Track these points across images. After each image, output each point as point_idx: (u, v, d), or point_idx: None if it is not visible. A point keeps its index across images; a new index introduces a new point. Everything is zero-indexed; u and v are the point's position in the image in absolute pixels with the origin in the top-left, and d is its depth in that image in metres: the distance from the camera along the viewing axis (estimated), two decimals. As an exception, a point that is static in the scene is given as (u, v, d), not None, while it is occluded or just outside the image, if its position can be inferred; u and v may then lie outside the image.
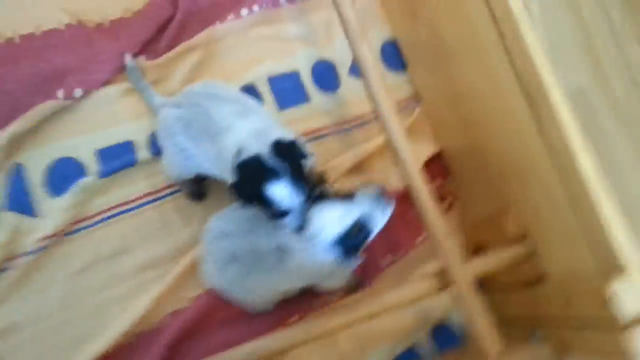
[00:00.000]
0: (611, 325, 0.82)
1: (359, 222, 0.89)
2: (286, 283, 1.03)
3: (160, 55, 1.20)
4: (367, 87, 1.08)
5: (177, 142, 1.03)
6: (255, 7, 1.29)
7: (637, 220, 0.84)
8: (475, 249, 1.22)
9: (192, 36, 1.22)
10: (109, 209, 1.11)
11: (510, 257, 1.07)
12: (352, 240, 0.88)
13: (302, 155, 0.92)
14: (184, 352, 1.06)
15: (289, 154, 0.90)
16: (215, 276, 1.05)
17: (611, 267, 0.83)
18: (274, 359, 0.98)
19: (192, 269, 1.11)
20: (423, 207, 1.03)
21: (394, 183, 1.25)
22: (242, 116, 0.99)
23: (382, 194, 0.92)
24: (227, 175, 0.93)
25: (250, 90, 1.24)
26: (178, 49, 1.21)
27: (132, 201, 1.13)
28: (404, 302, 1.01)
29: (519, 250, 1.07)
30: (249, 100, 1.06)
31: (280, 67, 1.28)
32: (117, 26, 1.20)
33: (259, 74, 1.25)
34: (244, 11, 1.28)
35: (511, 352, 0.97)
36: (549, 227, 0.99)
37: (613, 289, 0.80)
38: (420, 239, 1.26)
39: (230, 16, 1.27)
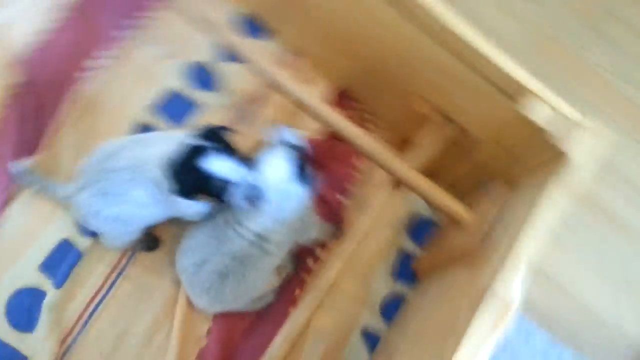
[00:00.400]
0: (540, 140, 0.94)
1: (294, 150, 0.99)
2: (278, 259, 1.07)
3: (39, 143, 1.16)
4: (253, 65, 1.10)
5: (106, 218, 1.03)
6: (102, 52, 1.26)
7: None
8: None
9: (56, 108, 1.19)
10: (86, 308, 1.10)
11: (440, 139, 1.17)
12: (300, 167, 0.98)
13: (227, 133, 0.96)
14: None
15: (214, 135, 0.94)
16: (216, 302, 1.08)
17: (517, 91, 0.94)
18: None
19: (191, 308, 1.12)
20: (349, 134, 1.09)
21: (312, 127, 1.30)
22: (148, 147, 1.00)
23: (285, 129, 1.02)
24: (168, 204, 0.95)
25: (145, 127, 1.24)
26: (51, 128, 1.17)
27: (101, 287, 1.11)
28: (376, 216, 1.09)
29: (444, 129, 1.16)
30: (149, 135, 1.06)
31: (156, 91, 1.27)
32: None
33: (140, 109, 1.25)
34: (94, 62, 1.26)
35: (478, 205, 1.08)
36: (457, 96, 1.09)
37: (524, 103, 0.92)
38: (357, 161, 1.32)
39: (84, 71, 1.24)
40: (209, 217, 1.05)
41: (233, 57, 1.33)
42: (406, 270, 1.25)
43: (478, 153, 1.14)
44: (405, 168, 1.10)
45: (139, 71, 1.29)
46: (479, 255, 0.98)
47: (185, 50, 1.33)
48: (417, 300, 1.15)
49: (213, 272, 1.03)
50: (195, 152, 0.92)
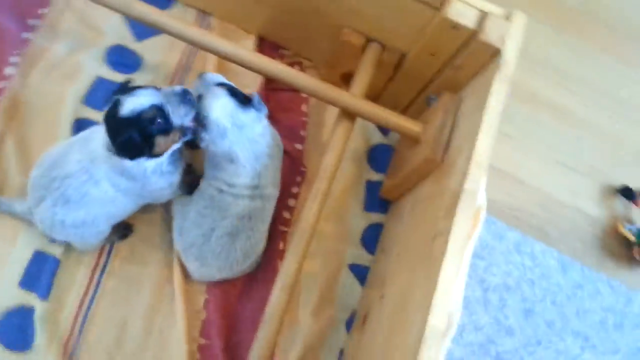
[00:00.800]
0: (473, 43, 0.98)
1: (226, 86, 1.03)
2: (275, 198, 1.13)
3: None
4: (173, 32, 1.08)
5: (73, 224, 1.01)
6: (17, 57, 1.23)
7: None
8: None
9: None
10: (79, 312, 1.09)
11: (378, 65, 1.20)
12: (240, 95, 1.02)
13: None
14: (239, 340, 1.12)
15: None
16: (226, 266, 1.09)
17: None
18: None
19: (186, 284, 1.13)
20: (291, 78, 1.10)
21: (252, 85, 1.30)
22: (91, 142, 0.98)
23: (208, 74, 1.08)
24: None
25: (84, 121, 1.21)
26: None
27: (88, 288, 1.10)
28: (337, 153, 1.11)
29: (380, 55, 1.19)
30: (86, 132, 1.04)
31: (83, 83, 1.24)
32: None
33: (73, 103, 1.21)
34: (8, 70, 1.21)
35: (430, 119, 1.12)
36: (385, 20, 1.11)
37: (449, 10, 0.97)
38: (304, 107, 1.34)
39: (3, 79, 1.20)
40: (187, 193, 1.06)
41: (149, 31, 1.30)
42: (376, 199, 1.29)
43: (419, 71, 1.18)
44: (353, 98, 1.12)
45: (59, 67, 1.25)
46: (443, 165, 1.03)
47: (99, 36, 1.29)
48: (394, 224, 1.20)
49: (223, 236, 1.05)
50: (116, 105, 0.91)
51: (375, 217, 1.28)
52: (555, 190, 1.37)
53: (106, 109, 0.93)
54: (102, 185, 0.97)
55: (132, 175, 0.95)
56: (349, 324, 1.18)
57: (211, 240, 1.05)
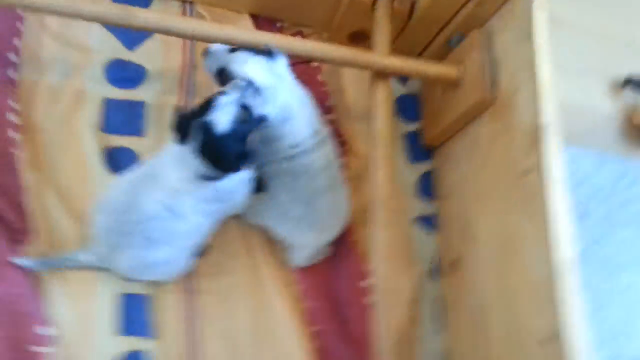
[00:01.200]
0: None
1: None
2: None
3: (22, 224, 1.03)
4: (166, 29, 1.01)
5: (156, 262, 0.97)
6: (12, 103, 1.10)
7: None
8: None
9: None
10: (185, 337, 1.05)
11: (387, 14, 1.17)
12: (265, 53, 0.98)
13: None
14: (346, 317, 1.14)
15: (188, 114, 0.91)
16: (324, 229, 1.11)
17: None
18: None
19: (280, 279, 1.13)
20: (306, 49, 1.09)
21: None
22: (158, 178, 0.93)
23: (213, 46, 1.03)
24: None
25: (114, 149, 1.12)
26: (21, 200, 1.04)
27: (186, 314, 1.06)
28: (372, 115, 1.12)
29: (393, 6, 1.17)
30: (144, 168, 0.98)
31: (91, 111, 1.14)
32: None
33: (93, 132, 1.12)
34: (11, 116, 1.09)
35: (463, 60, 1.13)
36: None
37: None
38: (319, 77, 1.31)
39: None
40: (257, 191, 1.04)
41: (138, 37, 1.21)
42: (418, 149, 1.30)
43: (436, 14, 1.17)
44: (384, 58, 1.11)
45: (60, 99, 1.13)
46: (497, 103, 1.04)
47: (87, 54, 1.18)
48: (449, 168, 1.22)
49: (324, 193, 1.06)
50: (206, 129, 0.85)
51: (423, 166, 1.30)
52: (570, 95, 1.42)
53: (190, 141, 0.87)
54: (188, 218, 0.92)
55: (223, 194, 0.91)
56: (433, 273, 1.22)
57: (317, 203, 1.05)
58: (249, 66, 0.94)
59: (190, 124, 0.86)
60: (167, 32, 1.00)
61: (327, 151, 1.07)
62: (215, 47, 1.01)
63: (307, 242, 1.10)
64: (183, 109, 0.91)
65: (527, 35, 0.98)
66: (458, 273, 1.14)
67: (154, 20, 0.97)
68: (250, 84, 0.91)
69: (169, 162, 0.91)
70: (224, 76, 0.98)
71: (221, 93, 0.88)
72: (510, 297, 0.97)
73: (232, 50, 0.98)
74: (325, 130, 1.08)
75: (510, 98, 1.01)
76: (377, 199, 1.06)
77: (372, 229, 1.05)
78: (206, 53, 1.02)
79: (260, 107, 0.92)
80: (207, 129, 0.85)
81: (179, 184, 0.89)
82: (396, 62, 1.09)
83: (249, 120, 0.88)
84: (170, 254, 0.96)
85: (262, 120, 0.93)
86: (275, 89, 0.95)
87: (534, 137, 0.92)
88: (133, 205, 0.92)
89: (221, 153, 0.86)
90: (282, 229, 1.10)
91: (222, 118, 0.85)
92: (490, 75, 1.06)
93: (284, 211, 1.06)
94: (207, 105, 0.87)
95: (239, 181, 0.93)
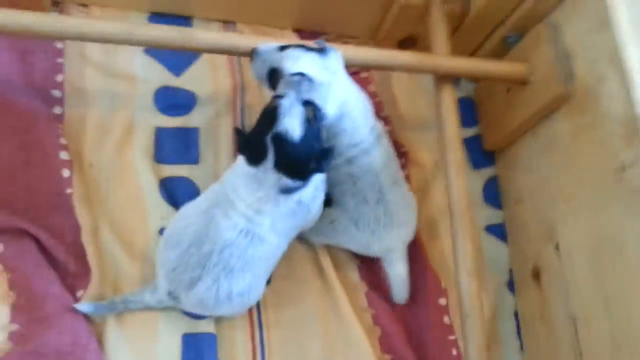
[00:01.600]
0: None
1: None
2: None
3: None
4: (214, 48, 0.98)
5: (240, 293, 0.90)
6: (62, 140, 1.05)
7: None
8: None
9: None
10: None
11: (442, 15, 1.13)
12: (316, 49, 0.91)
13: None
14: (423, 340, 1.07)
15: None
16: (390, 224, 1.03)
17: None
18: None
19: (352, 306, 1.05)
20: (376, 60, 1.04)
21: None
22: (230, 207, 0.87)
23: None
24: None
25: (170, 180, 1.07)
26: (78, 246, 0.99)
27: (255, 351, 1.00)
28: (453, 117, 1.07)
29: (439, 6, 1.12)
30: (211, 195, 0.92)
31: (143, 141, 1.09)
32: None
33: (147, 163, 1.07)
34: (63, 154, 1.04)
35: (529, 56, 1.08)
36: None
37: None
38: (371, 87, 1.25)
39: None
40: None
41: (183, 61, 1.17)
42: (479, 154, 1.24)
43: (491, 13, 1.12)
44: (449, 59, 1.06)
45: (109, 131, 1.09)
46: (577, 97, 0.98)
47: (133, 83, 1.14)
48: (519, 171, 1.15)
49: (391, 186, 1.00)
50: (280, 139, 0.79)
51: (487, 173, 1.23)
52: None
53: (266, 158, 0.81)
54: (267, 238, 0.86)
55: (302, 207, 0.86)
56: (509, 285, 1.15)
57: (386, 199, 0.99)
58: (302, 62, 0.87)
59: (261, 141, 0.80)
60: (229, 52, 0.95)
61: (385, 146, 1.00)
62: (264, 46, 0.94)
63: (389, 245, 1.03)
64: (243, 130, 0.85)
65: (602, 22, 0.92)
66: (540, 284, 1.07)
67: (212, 40, 0.92)
68: (303, 76, 0.85)
69: (241, 185, 0.85)
70: (275, 77, 0.91)
71: (279, 97, 0.82)
72: (615, 304, 0.89)
73: (282, 49, 0.91)
74: (380, 125, 1.01)
75: (592, 90, 0.95)
76: (456, 209, 0.99)
77: (454, 241, 0.98)
78: (255, 53, 0.93)
79: (320, 102, 0.86)
80: (282, 139, 0.79)
81: (257, 205, 0.83)
82: (462, 64, 1.04)
83: (317, 115, 0.83)
84: (249, 283, 0.89)
85: (325, 115, 0.87)
86: (330, 84, 0.89)
87: (632, 129, 0.85)
88: (205, 235, 0.86)
89: (302, 160, 0.80)
90: (355, 242, 1.03)
91: (293, 123, 0.79)
92: (563, 69, 1.00)
93: (354, 219, 1.00)
94: (272, 114, 0.80)
95: (315, 187, 0.86)
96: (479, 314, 0.96)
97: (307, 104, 0.82)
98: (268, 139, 0.79)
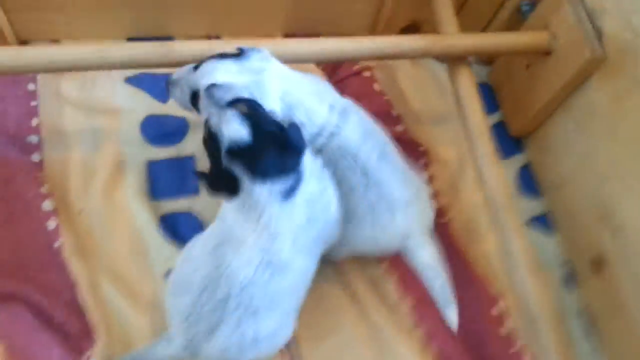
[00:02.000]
0: None
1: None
2: None
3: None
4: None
5: (269, 334, 0.78)
6: (43, 189, 0.94)
7: None
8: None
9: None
10: None
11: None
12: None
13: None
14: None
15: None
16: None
17: None
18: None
19: (391, 320, 0.94)
20: (389, 50, 0.94)
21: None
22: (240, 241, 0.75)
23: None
24: None
25: (171, 215, 0.97)
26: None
27: None
28: (476, 104, 0.96)
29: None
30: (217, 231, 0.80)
31: (136, 178, 0.98)
32: None
33: (142, 198, 0.97)
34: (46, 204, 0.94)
35: (549, 23, 0.97)
36: None
37: None
38: (376, 86, 1.15)
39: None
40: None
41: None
42: (507, 141, 1.12)
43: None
44: (462, 37, 0.96)
45: (96, 173, 0.98)
46: (610, 59, 0.87)
47: (116, 116, 1.04)
48: (555, 154, 1.04)
49: (367, 185, 0.86)
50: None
51: (517, 161, 1.12)
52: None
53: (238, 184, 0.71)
54: (291, 264, 0.74)
55: (318, 208, 0.75)
56: (566, 281, 1.02)
57: (377, 177, 0.86)
58: (215, 74, 0.79)
59: (222, 169, 0.70)
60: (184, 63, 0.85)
61: (356, 120, 0.87)
62: (177, 72, 0.86)
63: (397, 232, 0.89)
64: (202, 171, 0.75)
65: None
66: (605, 274, 0.94)
67: (196, 51, 0.81)
68: (212, 86, 0.76)
69: (240, 219, 0.73)
70: (198, 99, 0.83)
71: (207, 121, 0.73)
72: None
73: (196, 68, 0.83)
74: (343, 100, 0.89)
75: (628, 47, 0.84)
76: (496, 202, 0.87)
77: (501, 239, 0.86)
78: (169, 84, 0.86)
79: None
80: (237, 151, 0.69)
81: (267, 230, 0.71)
82: (477, 40, 0.94)
83: (252, 104, 0.73)
84: (276, 322, 0.77)
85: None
86: (259, 83, 0.79)
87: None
88: (217, 279, 0.74)
89: (271, 150, 0.70)
90: (362, 241, 0.90)
91: (233, 129, 0.69)
92: (590, 29, 0.89)
93: (348, 215, 0.86)
94: (211, 139, 0.72)
95: (318, 178, 0.76)
96: (550, 314, 0.83)
97: (231, 103, 0.73)
98: (225, 162, 0.69)
